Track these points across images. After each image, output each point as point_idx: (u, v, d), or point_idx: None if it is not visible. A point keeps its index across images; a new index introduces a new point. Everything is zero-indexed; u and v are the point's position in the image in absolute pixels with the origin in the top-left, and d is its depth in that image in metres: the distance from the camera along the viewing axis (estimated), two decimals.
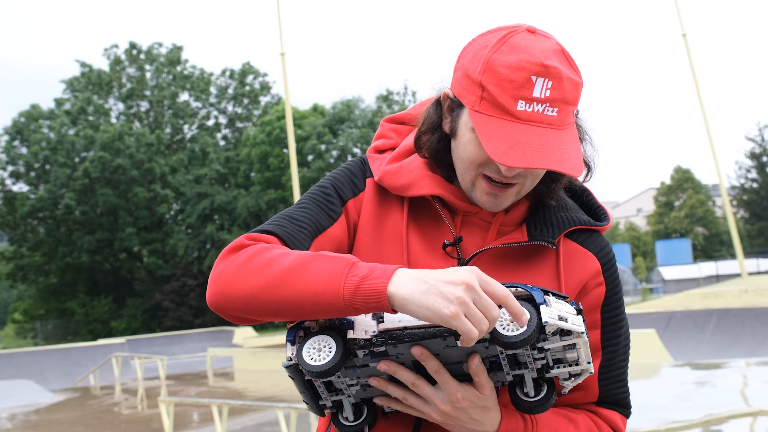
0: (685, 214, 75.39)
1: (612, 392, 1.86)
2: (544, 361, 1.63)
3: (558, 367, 1.65)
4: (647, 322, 21.35)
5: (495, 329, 1.53)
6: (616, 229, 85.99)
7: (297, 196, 26.70)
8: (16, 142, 52.12)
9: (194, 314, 49.02)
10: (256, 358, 24.66)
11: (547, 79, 1.63)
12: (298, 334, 1.61)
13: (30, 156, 50.76)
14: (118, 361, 24.83)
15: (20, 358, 26.98)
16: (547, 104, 1.63)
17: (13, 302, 61.90)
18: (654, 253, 70.86)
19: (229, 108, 59.22)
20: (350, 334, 1.56)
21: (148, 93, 56.63)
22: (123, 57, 56.63)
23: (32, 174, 51.87)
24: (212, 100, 58.59)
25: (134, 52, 56.64)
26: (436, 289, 1.48)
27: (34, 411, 19.16)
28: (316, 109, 54.85)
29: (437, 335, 1.54)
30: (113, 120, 55.77)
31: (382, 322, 1.56)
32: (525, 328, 1.52)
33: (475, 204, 1.80)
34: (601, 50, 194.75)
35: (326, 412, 1.70)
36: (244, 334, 33.43)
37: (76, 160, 50.85)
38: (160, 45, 57.51)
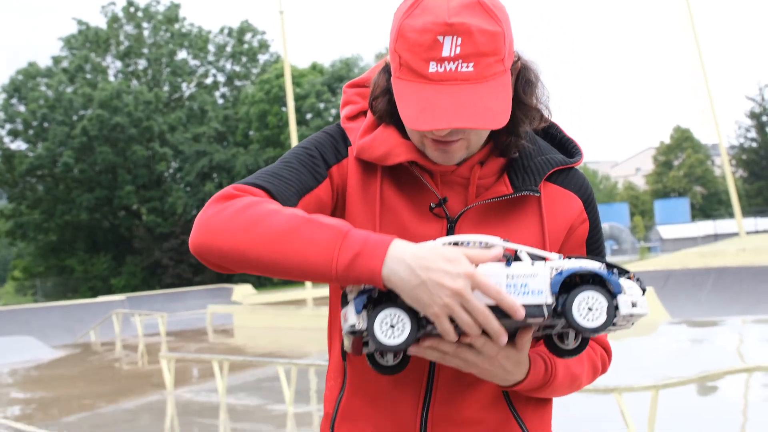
0: (683, 174, 75.39)
1: None
2: None
3: None
4: (645, 281, 21.20)
5: (572, 317, 1.57)
6: (614, 188, 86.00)
7: None
8: (14, 100, 51.94)
9: (194, 272, 49.11)
10: (256, 315, 24.81)
11: (455, 36, 1.62)
12: (367, 303, 1.60)
13: (28, 114, 50.63)
14: (119, 318, 24.96)
15: (21, 315, 27.11)
16: (460, 61, 1.63)
17: (13, 260, 62.03)
18: (652, 212, 70.97)
19: (228, 66, 58.94)
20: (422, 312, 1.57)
21: (145, 51, 56.30)
22: (120, 14, 56.20)
23: (30, 132, 51.76)
24: (210, 58, 58.28)
25: (132, 9, 56.23)
26: (426, 287, 1.52)
27: (35, 367, 19.29)
28: (314, 68, 54.60)
29: (502, 317, 1.57)
30: (111, 78, 55.50)
31: None
32: (605, 318, 1.57)
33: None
34: (601, 9, 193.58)
35: (363, 351, 1.69)
36: (243, 291, 33.57)
37: (74, 118, 50.71)
38: (158, 2, 57.04)
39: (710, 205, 74.83)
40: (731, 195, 29.95)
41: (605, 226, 51.25)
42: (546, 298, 1.58)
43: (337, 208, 1.87)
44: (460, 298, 1.52)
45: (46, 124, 50.92)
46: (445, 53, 1.62)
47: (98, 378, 16.50)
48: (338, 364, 1.91)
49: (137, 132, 50.21)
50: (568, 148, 1.97)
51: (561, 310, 1.58)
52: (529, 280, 1.58)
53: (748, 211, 62.39)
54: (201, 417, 11.23)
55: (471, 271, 1.53)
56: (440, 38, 1.62)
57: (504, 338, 1.57)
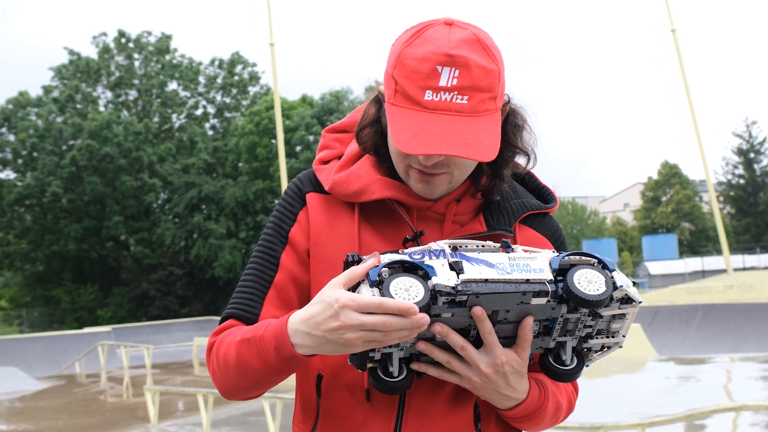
0: (671, 210, 75.58)
1: None
2: (590, 330, 1.70)
3: (597, 338, 1.72)
4: None
5: (574, 286, 1.61)
6: (603, 223, 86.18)
7: (285, 186, 26.69)
8: (4, 129, 51.77)
9: (180, 303, 48.92)
10: None
11: (453, 68, 1.66)
12: (380, 275, 1.60)
13: (17, 143, 50.48)
14: (104, 350, 24.80)
15: (6, 346, 26.88)
16: (455, 92, 1.66)
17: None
18: (640, 248, 71.06)
19: (218, 98, 58.97)
20: (435, 280, 1.58)
21: (136, 82, 56.35)
22: (112, 45, 56.28)
23: (19, 161, 51.55)
24: (201, 89, 58.29)
25: (123, 40, 56.31)
26: (328, 341, 1.60)
27: (19, 398, 19.14)
28: (304, 100, 54.69)
29: (519, 291, 1.60)
30: (101, 108, 55.43)
31: (463, 272, 1.59)
32: (605, 288, 1.61)
33: (424, 198, 1.85)
34: (591, 45, 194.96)
35: (367, 365, 1.68)
36: None
37: (64, 147, 50.58)
38: (149, 33, 57.15)
39: (698, 242, 74.97)
40: (719, 231, 30.01)
41: None
42: (547, 275, 1.62)
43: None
44: (353, 327, 1.55)
45: (35, 154, 50.76)
46: (442, 83, 1.66)
47: (82, 410, 16.36)
48: (310, 402, 1.91)
49: (126, 162, 50.12)
50: (543, 194, 2.01)
51: (562, 287, 1.62)
52: (530, 261, 1.64)
53: (735, 248, 62.57)
54: None
55: (343, 300, 1.55)
56: (439, 68, 1.66)
57: (414, 308, 1.52)
